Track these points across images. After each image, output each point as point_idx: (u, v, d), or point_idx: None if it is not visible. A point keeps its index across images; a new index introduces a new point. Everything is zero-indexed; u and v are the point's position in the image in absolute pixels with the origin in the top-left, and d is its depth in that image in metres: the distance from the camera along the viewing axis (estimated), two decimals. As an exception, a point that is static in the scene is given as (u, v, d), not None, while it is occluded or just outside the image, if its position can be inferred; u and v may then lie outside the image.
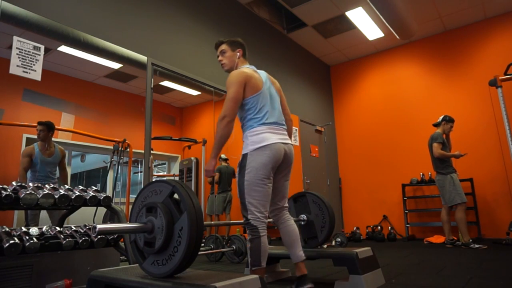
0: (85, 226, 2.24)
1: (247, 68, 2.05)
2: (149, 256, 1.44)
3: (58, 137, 3.77)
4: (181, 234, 1.34)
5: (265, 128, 1.94)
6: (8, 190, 1.89)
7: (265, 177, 1.87)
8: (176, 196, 1.44)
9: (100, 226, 1.25)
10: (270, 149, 1.88)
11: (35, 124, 3.59)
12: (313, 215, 2.57)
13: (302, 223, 2.59)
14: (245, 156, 1.91)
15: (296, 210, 2.66)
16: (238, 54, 2.16)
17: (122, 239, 2.31)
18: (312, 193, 2.64)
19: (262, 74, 2.10)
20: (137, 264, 1.73)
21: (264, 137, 1.91)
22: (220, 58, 2.22)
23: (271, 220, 2.11)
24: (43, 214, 3.18)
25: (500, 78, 4.12)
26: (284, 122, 2.08)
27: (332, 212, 2.52)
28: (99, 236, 2.12)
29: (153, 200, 1.46)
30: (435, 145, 4.25)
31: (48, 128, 3.39)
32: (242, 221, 1.91)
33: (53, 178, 3.47)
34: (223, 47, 2.20)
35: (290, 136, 2.11)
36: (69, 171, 3.66)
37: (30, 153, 3.35)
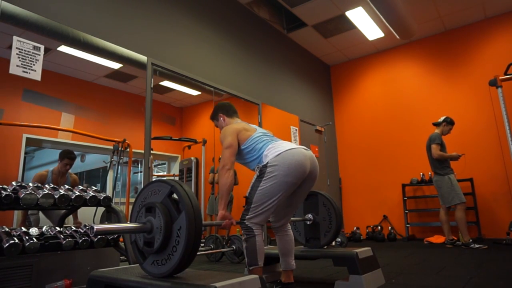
0: (85, 226, 2.24)
1: (237, 122, 2.15)
2: (149, 256, 1.44)
3: (58, 137, 3.77)
4: (179, 233, 1.34)
5: (282, 142, 1.98)
6: (8, 190, 1.89)
7: (282, 188, 1.82)
8: (175, 196, 1.44)
9: (97, 227, 1.25)
10: (292, 155, 1.84)
11: (35, 124, 3.59)
12: (320, 218, 2.53)
13: (308, 222, 2.58)
14: (265, 165, 1.85)
15: (304, 207, 2.63)
16: (221, 119, 2.22)
17: (122, 239, 2.30)
18: (324, 195, 2.57)
19: (254, 125, 2.16)
20: (137, 264, 1.73)
21: (285, 145, 1.91)
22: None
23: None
24: (41, 216, 3.18)
25: (500, 78, 4.12)
26: None
27: (340, 219, 2.49)
28: (98, 236, 2.12)
29: (152, 200, 1.46)
30: (433, 146, 4.25)
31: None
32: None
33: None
34: (214, 122, 2.31)
35: None
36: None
37: (42, 181, 3.31)
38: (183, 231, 1.33)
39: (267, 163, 1.85)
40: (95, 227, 1.24)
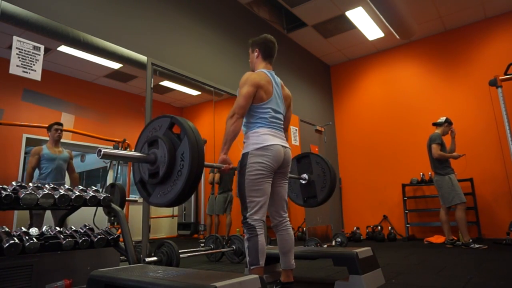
0: (85, 226, 2.24)
1: (261, 72, 2.07)
2: (155, 189, 1.46)
3: (58, 137, 3.76)
4: (183, 157, 1.36)
5: (267, 130, 1.99)
6: (8, 190, 1.89)
7: (265, 177, 1.91)
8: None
9: (104, 150, 1.29)
10: (271, 150, 1.93)
11: (35, 124, 3.59)
12: (315, 175, 2.61)
13: (303, 181, 2.62)
14: (245, 155, 1.94)
15: (299, 169, 2.69)
16: (255, 54, 2.17)
17: (121, 239, 2.30)
18: (315, 154, 2.69)
19: (276, 80, 2.12)
20: (137, 264, 1.73)
21: (266, 139, 1.95)
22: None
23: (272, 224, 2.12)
24: (48, 214, 3.19)
25: (500, 78, 4.13)
26: (282, 129, 2.12)
27: (334, 173, 2.57)
28: (98, 237, 2.12)
29: (154, 135, 1.50)
30: (434, 146, 4.25)
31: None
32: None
33: (62, 180, 3.48)
34: (249, 49, 2.24)
35: None
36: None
37: (38, 151, 3.37)
38: (186, 155, 1.35)
39: (248, 153, 1.92)
40: (103, 150, 1.28)
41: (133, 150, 1.59)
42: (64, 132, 3.57)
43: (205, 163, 1.45)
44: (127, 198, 3.35)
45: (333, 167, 2.64)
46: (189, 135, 1.36)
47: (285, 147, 2.04)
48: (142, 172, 1.50)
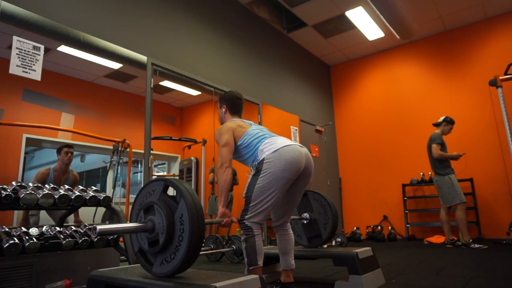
0: (85, 226, 2.24)
1: (232, 120, 2.13)
2: (156, 258, 1.42)
3: (58, 137, 3.77)
4: (182, 221, 1.33)
5: (277, 137, 1.99)
6: (8, 190, 1.89)
7: (279, 184, 1.84)
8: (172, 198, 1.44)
9: (100, 227, 1.23)
10: (288, 152, 1.86)
11: (35, 124, 3.59)
12: (316, 213, 2.57)
13: (305, 221, 2.59)
14: (262, 160, 1.87)
15: (298, 209, 2.66)
16: (223, 109, 2.23)
17: (121, 239, 2.30)
18: (313, 191, 2.64)
19: (250, 122, 2.17)
20: (137, 264, 1.73)
21: (281, 142, 1.92)
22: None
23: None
24: (43, 213, 3.18)
25: (500, 78, 4.12)
26: None
27: (334, 208, 2.52)
28: (99, 237, 2.12)
29: (149, 200, 1.47)
30: (434, 146, 4.25)
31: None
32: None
33: None
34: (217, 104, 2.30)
35: None
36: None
37: (43, 179, 3.30)
38: (185, 217, 1.32)
39: (263, 159, 1.87)
40: (98, 227, 1.22)
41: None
42: (64, 132, 3.56)
43: (205, 220, 1.42)
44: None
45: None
46: (185, 196, 1.33)
47: (303, 147, 1.98)
48: (141, 241, 1.45)
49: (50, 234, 2.02)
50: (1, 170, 3.42)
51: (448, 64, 5.71)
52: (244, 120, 2.16)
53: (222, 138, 1.98)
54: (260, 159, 1.88)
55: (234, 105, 2.21)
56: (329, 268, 2.92)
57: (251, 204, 1.85)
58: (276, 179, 1.82)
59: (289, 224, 2.11)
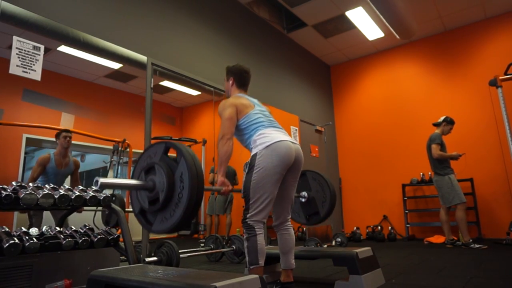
0: (85, 226, 2.24)
1: (236, 95, 2.16)
2: (157, 216, 1.44)
3: (58, 137, 3.76)
4: (182, 179, 1.34)
5: (272, 129, 2.00)
6: (8, 190, 1.89)
7: (273, 178, 1.87)
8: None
9: (102, 180, 1.27)
10: (280, 148, 1.90)
11: (35, 124, 3.59)
12: (314, 191, 2.59)
13: (303, 199, 2.61)
14: (254, 156, 1.92)
15: (297, 188, 2.68)
16: (230, 82, 2.25)
17: (121, 239, 2.31)
18: (311, 170, 2.65)
19: (253, 100, 2.18)
20: (137, 264, 1.73)
21: (274, 136, 1.94)
22: None
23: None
24: (47, 213, 3.18)
25: (500, 78, 4.12)
26: (283, 128, 2.13)
27: (332, 187, 2.54)
28: (98, 237, 2.12)
29: (150, 162, 1.49)
30: (433, 146, 4.25)
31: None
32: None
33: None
34: (224, 77, 2.31)
35: None
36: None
37: (45, 163, 3.33)
38: (185, 176, 1.33)
39: (256, 154, 1.91)
40: (100, 180, 1.26)
41: (131, 171, 1.58)
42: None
43: (205, 187, 1.44)
44: (126, 209, 3.34)
45: (332, 179, 2.64)
46: (185, 156, 1.34)
47: (295, 143, 2.01)
48: (141, 201, 1.47)
49: (50, 234, 2.02)
50: (1, 170, 3.42)
51: (448, 64, 5.71)
52: (249, 98, 2.17)
53: (225, 111, 2.00)
54: (253, 154, 1.93)
55: (242, 78, 2.23)
56: (329, 268, 2.92)
57: (251, 202, 1.87)
58: (269, 174, 1.86)
59: (289, 223, 2.11)
